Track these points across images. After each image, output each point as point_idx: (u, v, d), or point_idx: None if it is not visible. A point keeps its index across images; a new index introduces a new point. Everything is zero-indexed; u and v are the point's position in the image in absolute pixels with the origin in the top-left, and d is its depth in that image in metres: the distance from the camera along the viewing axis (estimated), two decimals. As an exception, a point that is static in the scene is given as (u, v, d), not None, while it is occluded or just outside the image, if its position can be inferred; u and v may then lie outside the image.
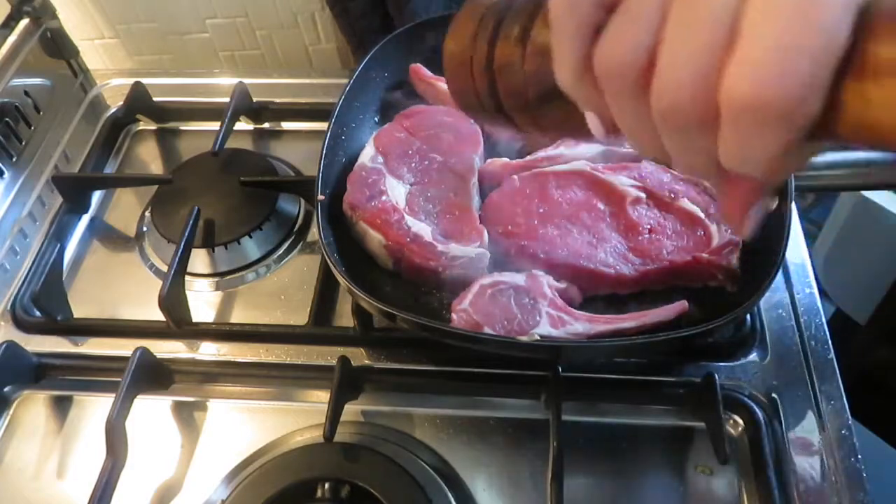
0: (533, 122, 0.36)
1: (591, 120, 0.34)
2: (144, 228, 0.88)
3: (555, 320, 0.65)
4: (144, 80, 0.99)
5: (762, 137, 0.27)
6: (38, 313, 0.79)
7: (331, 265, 0.67)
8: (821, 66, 0.25)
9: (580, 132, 0.35)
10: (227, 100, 0.92)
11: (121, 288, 0.83)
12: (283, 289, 0.81)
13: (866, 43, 0.25)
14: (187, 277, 0.80)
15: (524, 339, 0.63)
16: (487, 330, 0.64)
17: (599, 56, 0.30)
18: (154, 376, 0.72)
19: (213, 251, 0.82)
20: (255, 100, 0.97)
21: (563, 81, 0.32)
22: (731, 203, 0.33)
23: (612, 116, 0.32)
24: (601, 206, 0.73)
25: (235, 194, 0.85)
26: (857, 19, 0.25)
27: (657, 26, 0.28)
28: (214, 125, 0.90)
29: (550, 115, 0.35)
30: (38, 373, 0.75)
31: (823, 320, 0.72)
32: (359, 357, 0.73)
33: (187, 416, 0.73)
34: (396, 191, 0.75)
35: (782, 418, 0.66)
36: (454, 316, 0.66)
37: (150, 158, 0.98)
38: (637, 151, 0.32)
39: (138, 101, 0.98)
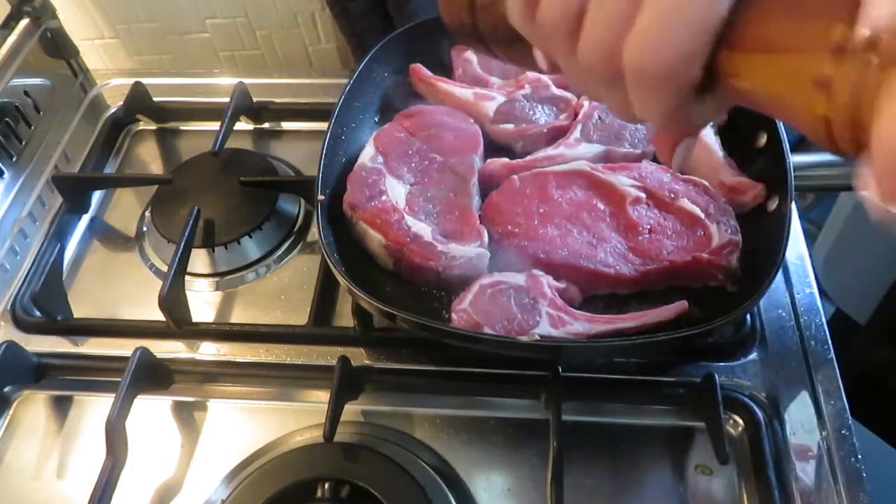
0: (505, 53, 0.43)
1: (539, 56, 0.40)
2: (144, 228, 0.88)
3: (555, 320, 0.65)
4: (144, 80, 0.99)
5: (654, 97, 0.32)
6: (38, 313, 0.79)
7: (331, 265, 0.67)
8: (699, 40, 0.29)
9: (536, 66, 0.41)
10: (227, 100, 0.92)
11: (121, 288, 0.83)
12: (283, 289, 0.81)
13: (741, 21, 0.29)
14: (187, 277, 0.80)
15: (524, 339, 0.63)
16: (487, 330, 0.64)
17: (539, 9, 0.35)
18: (154, 376, 0.72)
19: (213, 251, 0.82)
20: (255, 100, 0.97)
21: (514, 23, 0.38)
22: (659, 140, 0.37)
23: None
24: (601, 206, 0.73)
25: (235, 194, 0.85)
26: None
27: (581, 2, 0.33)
28: (214, 125, 0.90)
29: (517, 49, 0.41)
30: (38, 373, 0.75)
31: (823, 320, 0.72)
32: (359, 357, 0.73)
33: (187, 416, 0.73)
34: (396, 191, 0.75)
35: (782, 418, 0.66)
36: (454, 316, 0.66)
37: (150, 158, 0.98)
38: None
39: (138, 101, 0.98)
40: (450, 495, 0.64)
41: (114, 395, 0.67)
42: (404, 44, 0.87)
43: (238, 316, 0.79)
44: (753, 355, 0.70)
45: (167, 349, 0.75)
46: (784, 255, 0.63)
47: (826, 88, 0.27)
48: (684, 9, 0.29)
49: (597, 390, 0.70)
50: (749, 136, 0.74)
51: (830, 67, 0.26)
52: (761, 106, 0.31)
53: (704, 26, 0.29)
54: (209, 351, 0.76)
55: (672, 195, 0.73)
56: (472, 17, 0.42)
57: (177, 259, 0.75)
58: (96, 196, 0.92)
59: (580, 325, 0.65)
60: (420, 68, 0.87)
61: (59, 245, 0.83)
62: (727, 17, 0.29)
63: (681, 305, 0.66)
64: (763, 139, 0.73)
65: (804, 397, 0.67)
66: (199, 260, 0.82)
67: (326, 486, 0.63)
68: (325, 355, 0.73)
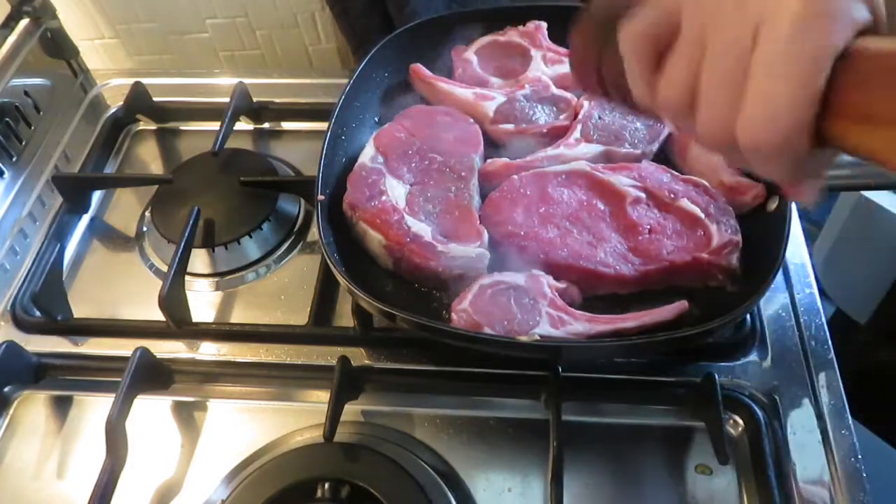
0: (630, 109, 0.47)
1: (668, 122, 0.43)
2: (144, 228, 0.88)
3: (555, 320, 0.65)
4: (144, 80, 0.99)
5: (771, 164, 0.35)
6: (38, 313, 0.79)
7: (331, 265, 0.67)
8: (801, 116, 0.32)
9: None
10: (227, 100, 0.92)
11: (121, 288, 0.83)
12: (283, 289, 0.81)
13: (839, 91, 0.31)
14: (187, 277, 0.80)
15: (524, 339, 0.63)
16: (487, 330, 0.64)
17: (658, 92, 0.39)
18: (154, 376, 0.72)
19: (213, 251, 0.82)
20: (255, 100, 0.97)
21: (636, 97, 0.43)
22: (785, 184, 0.39)
23: None
24: (601, 206, 0.73)
25: (235, 194, 0.85)
26: (832, 69, 0.31)
27: (693, 83, 0.37)
28: (214, 125, 0.90)
29: (646, 111, 0.45)
30: (38, 373, 0.75)
31: (823, 320, 0.72)
32: (359, 357, 0.73)
33: (187, 416, 0.73)
34: (396, 191, 0.75)
35: (782, 418, 0.66)
36: (454, 316, 0.66)
37: (150, 158, 0.98)
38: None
39: (138, 101, 0.98)
40: (450, 495, 0.64)
41: (114, 395, 0.67)
42: (404, 44, 0.87)
43: (238, 316, 0.79)
44: (753, 355, 0.70)
45: (167, 349, 0.75)
46: (784, 255, 0.63)
47: None
48: (782, 90, 0.32)
49: (597, 390, 0.70)
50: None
51: None
52: (871, 160, 0.33)
53: (803, 104, 0.32)
54: (209, 351, 0.76)
55: (672, 195, 0.73)
56: (603, 88, 0.47)
57: (177, 259, 0.75)
58: (96, 196, 0.92)
59: (580, 325, 0.65)
60: (420, 68, 0.87)
61: (59, 245, 0.83)
62: (825, 90, 0.31)
63: (681, 305, 0.66)
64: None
65: (804, 397, 0.67)
66: (199, 260, 0.82)
67: (326, 486, 0.63)
68: (325, 355, 0.73)
